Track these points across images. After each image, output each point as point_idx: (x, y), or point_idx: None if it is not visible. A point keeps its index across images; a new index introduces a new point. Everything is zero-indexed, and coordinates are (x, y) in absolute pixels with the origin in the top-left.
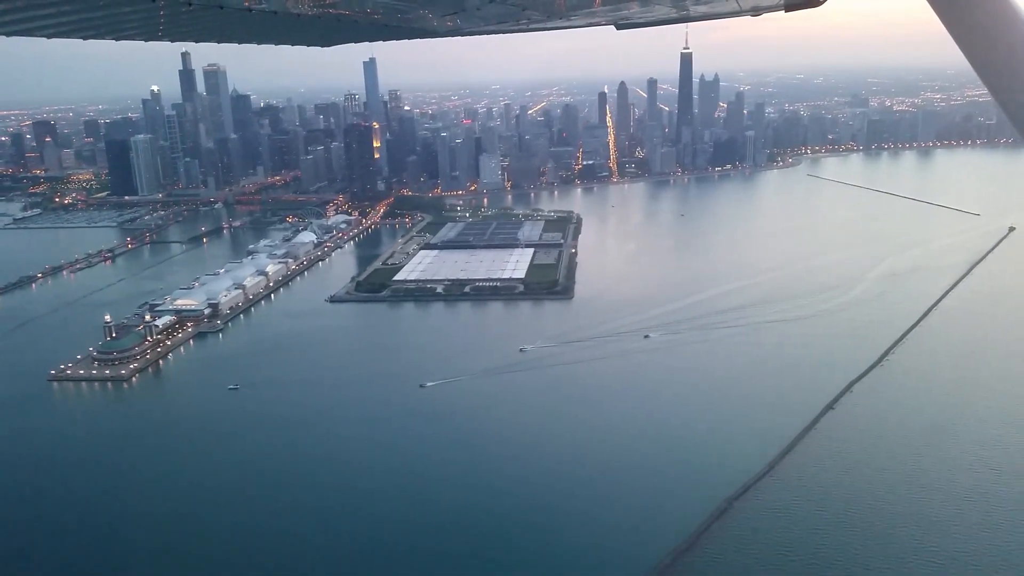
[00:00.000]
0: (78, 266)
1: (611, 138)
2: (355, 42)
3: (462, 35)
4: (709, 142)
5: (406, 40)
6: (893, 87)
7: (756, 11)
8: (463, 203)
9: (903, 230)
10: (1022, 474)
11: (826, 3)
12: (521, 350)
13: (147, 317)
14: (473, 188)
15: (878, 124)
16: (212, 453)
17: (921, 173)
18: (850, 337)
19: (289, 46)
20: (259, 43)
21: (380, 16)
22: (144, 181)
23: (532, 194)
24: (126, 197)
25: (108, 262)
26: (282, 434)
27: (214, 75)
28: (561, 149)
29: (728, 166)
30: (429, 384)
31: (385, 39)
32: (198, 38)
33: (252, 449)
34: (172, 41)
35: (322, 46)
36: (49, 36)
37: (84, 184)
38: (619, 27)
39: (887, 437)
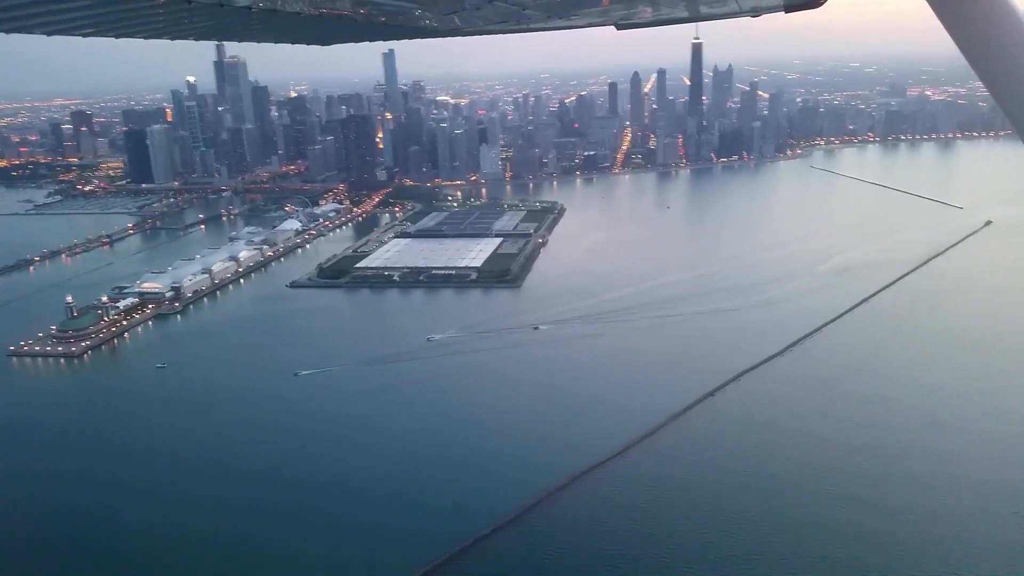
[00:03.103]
0: (76, 250)
1: (627, 128)
2: (355, 41)
3: (463, 35)
4: (715, 133)
5: (407, 40)
6: (944, 76)
7: (756, 12)
8: (462, 193)
9: (877, 222)
10: (853, 452)
11: (825, 4)
12: (428, 339)
13: (104, 299)
14: (473, 178)
15: (896, 115)
16: (110, 421)
17: (923, 165)
18: (766, 329)
19: (294, 44)
20: (259, 41)
21: (380, 15)
22: (160, 169)
23: (531, 184)
24: (143, 185)
25: (106, 247)
26: (174, 408)
27: (234, 67)
28: (566, 140)
29: (734, 157)
30: (304, 372)
31: (385, 39)
32: (199, 36)
33: (141, 419)
34: (172, 39)
35: (322, 44)
36: (49, 33)
37: (110, 172)
38: (619, 27)
39: (751, 422)
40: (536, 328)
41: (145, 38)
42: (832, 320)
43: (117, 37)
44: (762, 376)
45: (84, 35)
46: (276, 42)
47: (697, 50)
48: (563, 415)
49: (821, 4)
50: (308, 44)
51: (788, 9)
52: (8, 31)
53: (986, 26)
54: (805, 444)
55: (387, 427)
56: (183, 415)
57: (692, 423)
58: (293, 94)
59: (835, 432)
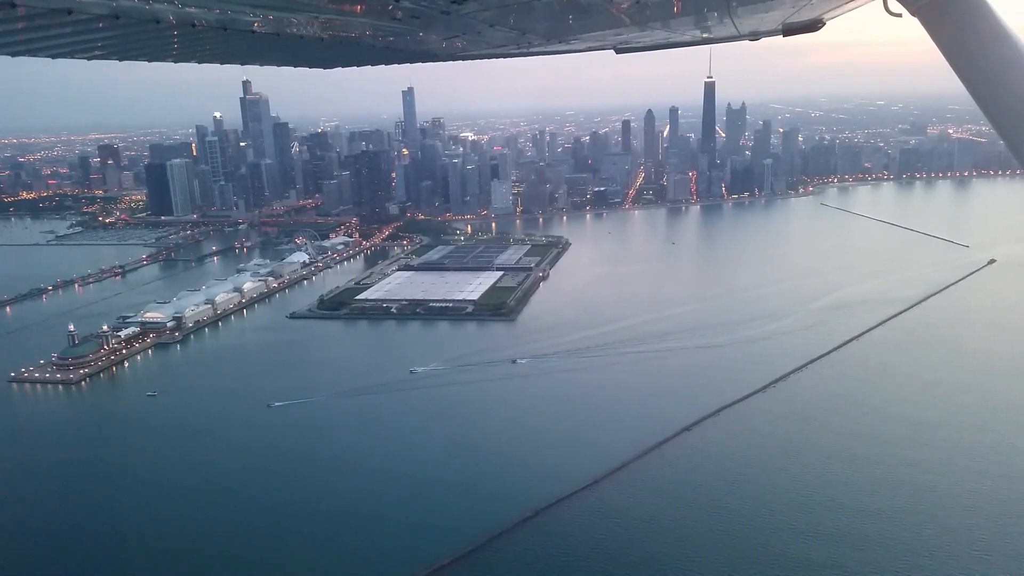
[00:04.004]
0: (89, 280)
1: (642, 165)
2: (358, 65)
3: (463, 59)
4: (727, 170)
5: (408, 64)
6: (968, 115)
7: (755, 36)
8: (471, 227)
9: (880, 260)
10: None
11: (823, 29)
12: (411, 371)
13: (105, 328)
14: (484, 213)
15: (911, 153)
16: (90, 446)
17: (935, 203)
18: (752, 365)
19: (296, 67)
20: (262, 64)
21: (380, 39)
22: (179, 202)
23: (540, 219)
24: (162, 217)
25: (118, 277)
26: (154, 435)
27: (256, 103)
28: (577, 176)
29: (745, 194)
30: (277, 404)
31: (387, 63)
32: (202, 59)
33: (121, 445)
34: (176, 62)
35: (325, 68)
36: (54, 56)
37: (133, 204)
38: (618, 51)
39: (724, 456)
40: (514, 362)
41: (148, 61)
42: (819, 357)
43: (121, 60)
44: (741, 412)
45: (89, 58)
46: (279, 65)
47: (710, 88)
48: (533, 448)
49: (818, 28)
50: (311, 67)
51: (786, 33)
52: (14, 54)
53: (986, 53)
54: (776, 478)
55: (342, 460)
56: (160, 441)
57: (666, 456)
58: (321, 129)
59: (808, 467)
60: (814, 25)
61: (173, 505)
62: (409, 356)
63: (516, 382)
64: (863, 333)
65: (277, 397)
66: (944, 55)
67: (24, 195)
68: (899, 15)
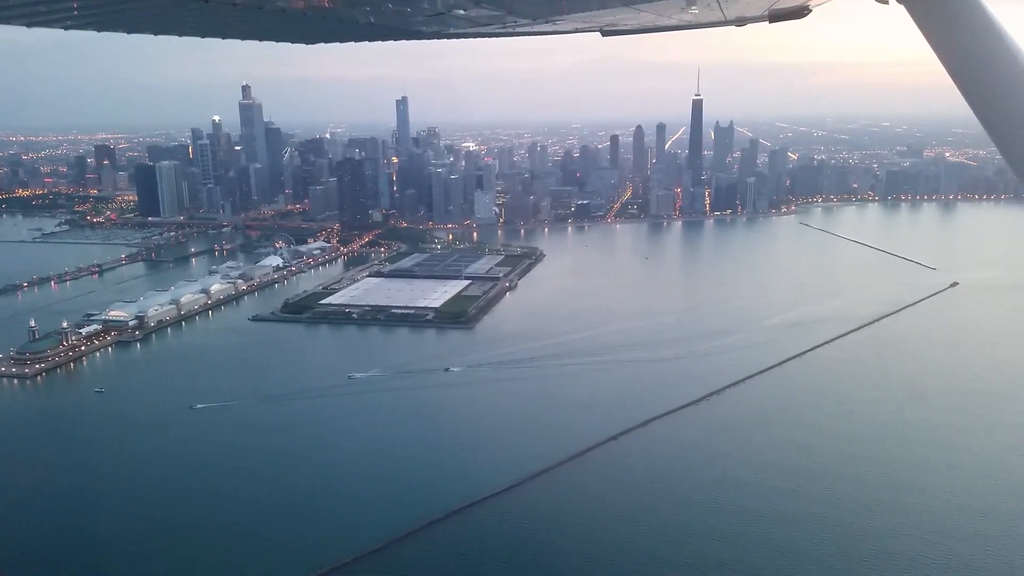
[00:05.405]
0: (66, 278)
1: (629, 179)
2: (341, 41)
3: (447, 37)
4: (711, 187)
5: (392, 41)
6: (969, 138)
7: (740, 21)
8: (453, 236)
9: (844, 280)
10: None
11: (809, 15)
12: (350, 376)
13: (65, 324)
14: (467, 223)
15: (898, 175)
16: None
17: (912, 226)
18: (693, 379)
19: (278, 42)
20: (243, 39)
21: (363, 13)
22: (166, 204)
23: (522, 231)
24: (150, 218)
25: (95, 276)
26: (87, 427)
27: (249, 108)
28: (563, 188)
29: (727, 211)
30: (200, 406)
31: (370, 39)
32: (182, 32)
33: (53, 435)
34: (155, 34)
35: (306, 43)
36: (29, 25)
37: (124, 205)
38: (604, 34)
39: (642, 464)
40: (447, 370)
41: (127, 32)
42: (760, 372)
43: (99, 31)
44: (671, 423)
45: (66, 27)
46: (262, 39)
47: (698, 105)
48: (455, 453)
49: (804, 15)
50: (293, 42)
51: (772, 19)
52: None
53: (960, 29)
54: (692, 487)
55: (241, 463)
56: (86, 435)
57: (588, 464)
58: (321, 136)
59: (728, 476)
60: (799, 12)
61: (71, 495)
62: (353, 361)
63: (455, 390)
64: (809, 350)
65: (206, 398)
66: (929, 43)
67: (19, 192)
68: (886, 2)
